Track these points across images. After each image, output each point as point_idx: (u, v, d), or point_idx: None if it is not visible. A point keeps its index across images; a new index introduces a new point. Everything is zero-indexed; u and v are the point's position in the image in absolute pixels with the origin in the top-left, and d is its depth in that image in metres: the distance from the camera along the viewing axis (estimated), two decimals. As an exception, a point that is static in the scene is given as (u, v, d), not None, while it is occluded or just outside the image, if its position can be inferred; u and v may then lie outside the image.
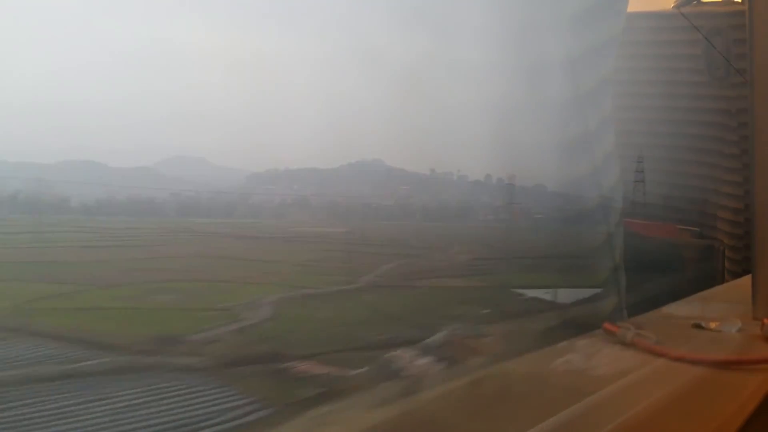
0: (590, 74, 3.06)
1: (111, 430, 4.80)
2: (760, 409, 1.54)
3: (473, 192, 13.56)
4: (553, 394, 1.61)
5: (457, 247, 12.42)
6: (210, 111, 10.81)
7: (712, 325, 2.25)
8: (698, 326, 2.25)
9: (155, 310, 8.15)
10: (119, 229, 11.37)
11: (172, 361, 6.27)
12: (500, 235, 13.15)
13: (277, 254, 11.25)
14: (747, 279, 2.59)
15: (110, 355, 6.19)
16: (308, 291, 9.44)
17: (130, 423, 4.97)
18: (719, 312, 2.48)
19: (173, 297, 8.50)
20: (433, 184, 13.81)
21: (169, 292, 8.71)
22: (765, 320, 2.19)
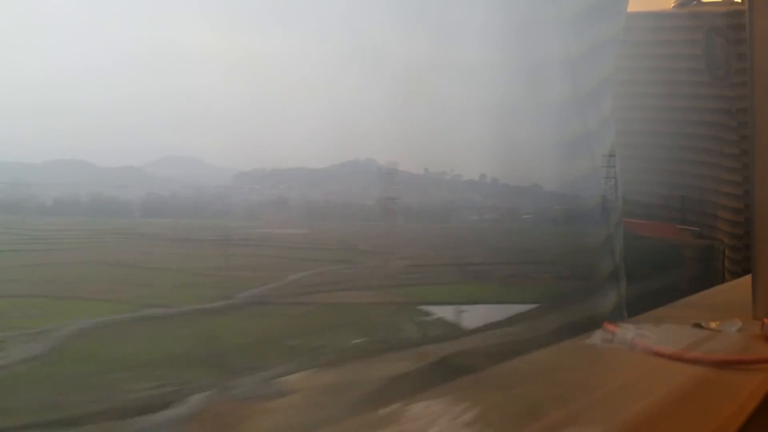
0: (590, 74, 3.06)
1: None
2: (760, 409, 1.53)
3: (465, 192, 13.31)
4: None
5: (404, 252, 11.41)
6: (207, 110, 10.74)
7: (712, 324, 2.25)
8: (698, 326, 2.25)
9: None
10: (48, 230, 10.02)
11: None
12: (474, 236, 12.34)
13: (183, 261, 9.57)
14: (747, 279, 2.59)
15: None
16: (155, 311, 7.63)
17: None
18: (719, 312, 2.48)
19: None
20: (424, 184, 13.50)
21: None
22: (765, 320, 2.19)
